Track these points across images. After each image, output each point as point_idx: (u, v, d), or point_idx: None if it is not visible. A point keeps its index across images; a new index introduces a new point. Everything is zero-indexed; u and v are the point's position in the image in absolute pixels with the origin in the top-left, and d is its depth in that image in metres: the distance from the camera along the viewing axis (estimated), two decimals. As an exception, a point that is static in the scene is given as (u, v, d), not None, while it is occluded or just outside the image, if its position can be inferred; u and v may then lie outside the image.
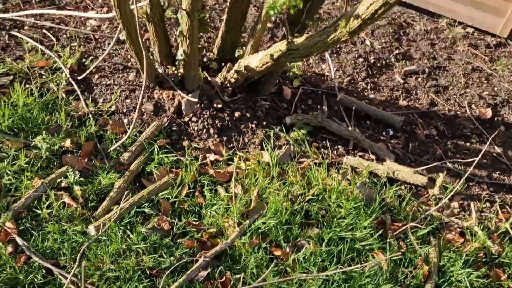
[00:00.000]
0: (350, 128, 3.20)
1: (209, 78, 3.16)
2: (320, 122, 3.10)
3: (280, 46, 2.60)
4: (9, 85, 2.86)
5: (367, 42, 4.24)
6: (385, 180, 2.94)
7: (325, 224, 2.58)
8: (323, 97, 3.46)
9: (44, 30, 3.48)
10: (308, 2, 2.72)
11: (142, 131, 2.82)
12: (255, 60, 2.80)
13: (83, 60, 3.24)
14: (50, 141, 2.45)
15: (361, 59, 3.98)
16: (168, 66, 3.21)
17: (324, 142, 3.14)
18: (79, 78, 3.09)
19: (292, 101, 3.36)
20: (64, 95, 2.96)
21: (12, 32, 3.36)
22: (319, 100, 3.44)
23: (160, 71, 3.06)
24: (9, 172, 2.42)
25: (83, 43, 3.45)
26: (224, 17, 3.03)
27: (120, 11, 2.19)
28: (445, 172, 3.05)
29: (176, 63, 3.01)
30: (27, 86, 2.93)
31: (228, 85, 3.13)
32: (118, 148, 2.69)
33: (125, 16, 2.27)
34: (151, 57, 3.14)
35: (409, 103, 3.68)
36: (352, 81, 3.78)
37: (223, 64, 3.23)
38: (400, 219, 2.76)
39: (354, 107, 3.35)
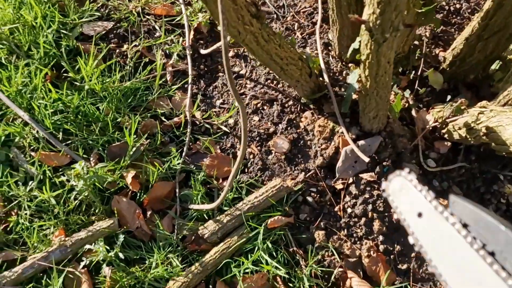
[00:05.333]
0: None
1: (413, 112, 1.99)
2: None
3: None
4: (101, 39, 2.26)
5: None
6: None
7: None
8: None
9: None
10: None
11: (255, 184, 1.95)
12: (510, 125, 1.53)
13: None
14: (90, 178, 1.75)
15: None
16: (350, 65, 2.14)
17: None
18: (203, 51, 2.31)
19: None
20: (168, 78, 2.24)
21: None
22: None
23: (325, 77, 2.02)
24: (26, 207, 1.81)
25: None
26: (487, 4, 1.74)
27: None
28: None
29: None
30: (123, 48, 2.25)
31: (446, 136, 1.93)
32: (204, 211, 1.84)
33: None
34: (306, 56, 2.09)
35: None
36: None
37: (452, 90, 2.01)
38: None
39: None
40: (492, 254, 0.62)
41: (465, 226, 0.67)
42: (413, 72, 1.98)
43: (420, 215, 0.73)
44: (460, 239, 0.66)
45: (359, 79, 1.53)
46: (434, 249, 0.69)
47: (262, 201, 1.81)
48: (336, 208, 1.84)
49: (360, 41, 1.34)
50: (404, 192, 0.77)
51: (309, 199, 1.86)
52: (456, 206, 0.69)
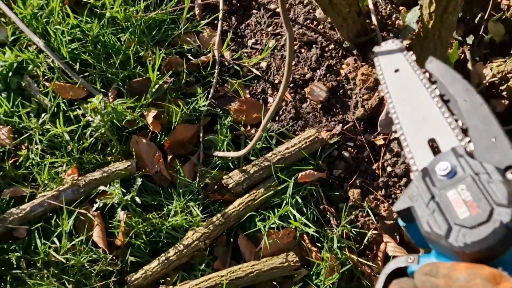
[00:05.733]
0: None
1: (469, 64, 1.79)
2: None
3: None
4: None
5: None
6: None
7: None
8: None
9: None
10: None
11: (286, 134, 1.81)
12: None
13: None
14: (108, 113, 1.61)
15: None
16: (401, 8, 1.94)
17: None
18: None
19: None
20: (197, 12, 2.03)
21: None
22: None
23: (373, 19, 1.83)
24: (37, 141, 1.70)
25: None
26: None
27: None
28: None
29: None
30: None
31: (505, 93, 1.74)
32: (229, 159, 1.70)
33: None
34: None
35: None
36: None
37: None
38: None
39: None
40: (447, 101, 0.73)
41: (434, 82, 0.78)
42: (479, 16, 1.77)
43: (396, 71, 0.85)
44: (422, 88, 0.78)
45: (420, 18, 1.35)
46: (399, 96, 0.81)
47: (293, 153, 1.67)
48: (375, 166, 1.69)
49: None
50: (390, 54, 0.89)
51: (345, 154, 1.71)
52: (432, 64, 0.78)
